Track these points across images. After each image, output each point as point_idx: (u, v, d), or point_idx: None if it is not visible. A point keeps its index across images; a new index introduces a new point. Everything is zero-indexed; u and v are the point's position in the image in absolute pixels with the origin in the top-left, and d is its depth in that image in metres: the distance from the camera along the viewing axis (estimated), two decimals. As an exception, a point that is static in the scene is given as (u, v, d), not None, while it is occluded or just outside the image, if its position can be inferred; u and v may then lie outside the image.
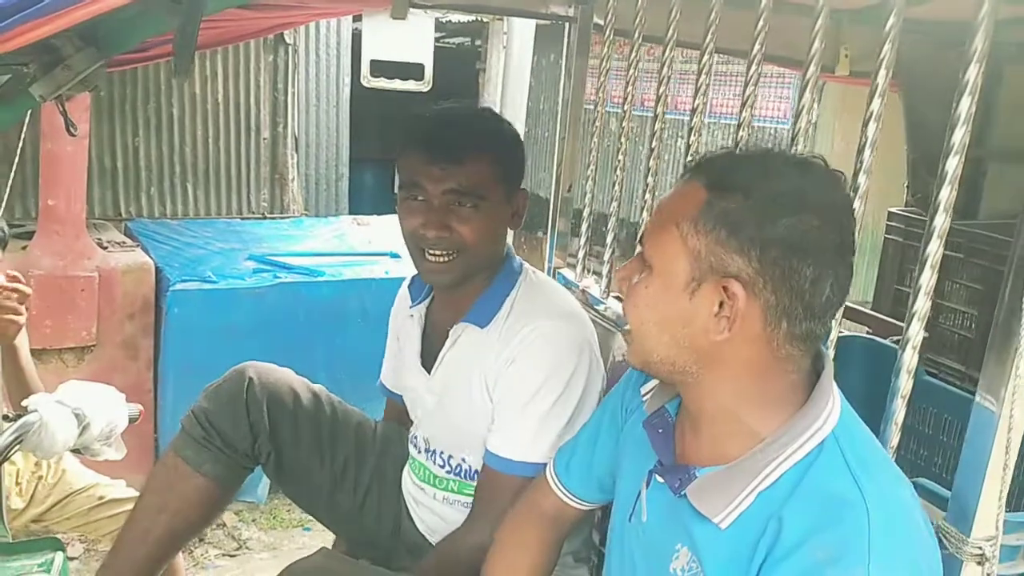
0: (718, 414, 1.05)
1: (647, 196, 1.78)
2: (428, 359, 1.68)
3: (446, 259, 1.50)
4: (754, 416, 1.02)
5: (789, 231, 0.94)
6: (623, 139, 1.87)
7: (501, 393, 1.52)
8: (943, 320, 2.40)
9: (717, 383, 1.03)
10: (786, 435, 0.99)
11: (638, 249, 1.07)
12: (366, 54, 3.17)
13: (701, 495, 1.02)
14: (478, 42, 8.00)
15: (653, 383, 1.20)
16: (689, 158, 1.59)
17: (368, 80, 3.25)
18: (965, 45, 1.08)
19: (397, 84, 3.38)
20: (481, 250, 1.52)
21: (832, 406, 1.01)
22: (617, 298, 1.97)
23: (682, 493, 1.05)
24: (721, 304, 0.97)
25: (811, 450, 0.98)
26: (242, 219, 4.56)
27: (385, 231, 4.00)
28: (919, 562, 0.93)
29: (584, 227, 2.01)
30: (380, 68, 3.28)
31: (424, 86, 3.28)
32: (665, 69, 1.69)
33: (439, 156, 1.47)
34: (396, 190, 1.57)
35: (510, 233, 1.66)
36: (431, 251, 1.50)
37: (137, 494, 1.95)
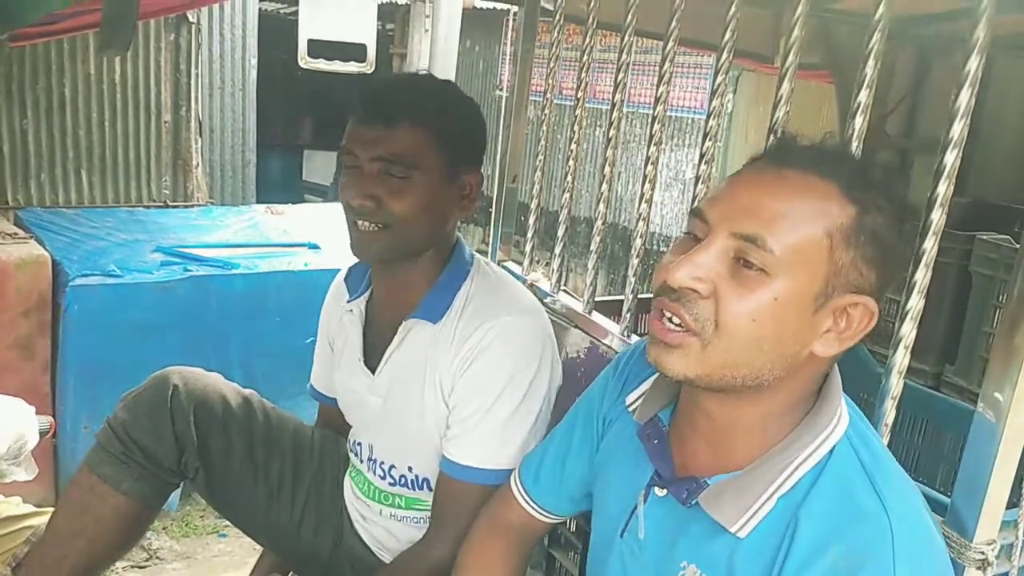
0: (748, 423, 0.97)
1: (603, 187, 1.71)
2: (371, 358, 1.55)
3: (373, 229, 1.38)
4: (778, 422, 0.96)
5: (909, 251, 0.96)
6: (576, 127, 1.80)
7: (459, 397, 1.41)
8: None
9: (776, 394, 0.94)
10: (803, 437, 0.94)
11: (725, 240, 0.90)
12: (303, 33, 3.00)
13: (715, 503, 0.95)
14: (390, 26, 7.84)
15: (640, 391, 1.12)
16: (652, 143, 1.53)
17: (306, 61, 3.07)
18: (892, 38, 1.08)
19: (337, 66, 3.20)
20: (414, 228, 1.39)
21: (842, 406, 0.96)
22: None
23: (693, 503, 0.98)
24: (835, 319, 0.90)
25: (827, 452, 0.93)
26: (144, 208, 4.30)
27: (301, 221, 3.83)
28: (940, 569, 0.89)
29: (532, 219, 1.93)
30: (318, 48, 3.11)
31: (367, 68, 3.12)
32: (624, 55, 1.62)
33: (369, 119, 1.37)
34: None
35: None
36: (359, 220, 1.39)
37: (35, 509, 1.77)
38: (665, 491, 1.03)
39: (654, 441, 1.05)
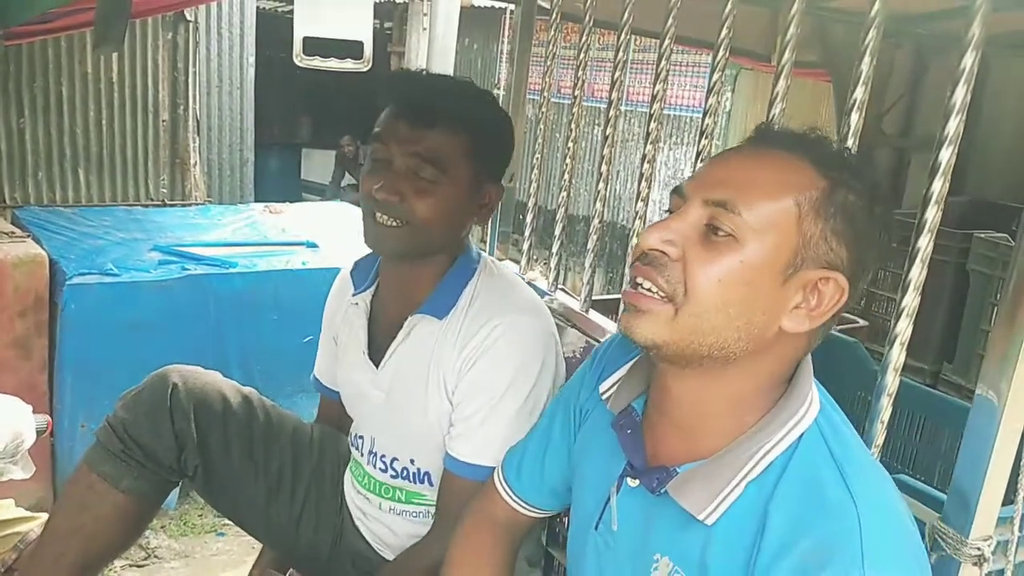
0: (717, 406, 0.97)
1: (600, 186, 1.71)
2: (375, 351, 1.56)
3: (394, 225, 1.38)
4: (747, 407, 0.96)
5: (886, 233, 0.94)
6: (573, 126, 1.80)
7: (463, 395, 1.42)
8: (876, 308, 2.43)
9: (743, 373, 0.95)
10: (773, 422, 0.94)
11: (699, 209, 0.92)
12: (298, 31, 2.99)
13: (683, 490, 0.95)
14: (387, 24, 7.83)
15: (613, 380, 1.12)
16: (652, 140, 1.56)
17: (301, 59, 3.06)
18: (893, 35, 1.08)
19: (333, 64, 3.18)
20: (432, 230, 1.40)
21: (813, 393, 0.96)
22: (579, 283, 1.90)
23: (662, 491, 0.97)
24: (805, 295, 0.91)
25: (796, 438, 0.93)
26: (142, 207, 4.30)
27: (299, 219, 3.83)
28: (911, 558, 0.88)
29: (530, 218, 1.94)
30: (314, 46, 3.10)
31: (363, 66, 3.10)
32: (621, 54, 1.62)
33: (410, 114, 1.37)
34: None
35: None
36: (379, 213, 1.39)
37: (26, 514, 1.77)
38: (637, 481, 1.03)
39: (627, 431, 1.05)
